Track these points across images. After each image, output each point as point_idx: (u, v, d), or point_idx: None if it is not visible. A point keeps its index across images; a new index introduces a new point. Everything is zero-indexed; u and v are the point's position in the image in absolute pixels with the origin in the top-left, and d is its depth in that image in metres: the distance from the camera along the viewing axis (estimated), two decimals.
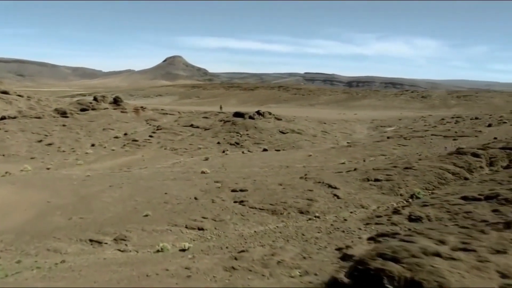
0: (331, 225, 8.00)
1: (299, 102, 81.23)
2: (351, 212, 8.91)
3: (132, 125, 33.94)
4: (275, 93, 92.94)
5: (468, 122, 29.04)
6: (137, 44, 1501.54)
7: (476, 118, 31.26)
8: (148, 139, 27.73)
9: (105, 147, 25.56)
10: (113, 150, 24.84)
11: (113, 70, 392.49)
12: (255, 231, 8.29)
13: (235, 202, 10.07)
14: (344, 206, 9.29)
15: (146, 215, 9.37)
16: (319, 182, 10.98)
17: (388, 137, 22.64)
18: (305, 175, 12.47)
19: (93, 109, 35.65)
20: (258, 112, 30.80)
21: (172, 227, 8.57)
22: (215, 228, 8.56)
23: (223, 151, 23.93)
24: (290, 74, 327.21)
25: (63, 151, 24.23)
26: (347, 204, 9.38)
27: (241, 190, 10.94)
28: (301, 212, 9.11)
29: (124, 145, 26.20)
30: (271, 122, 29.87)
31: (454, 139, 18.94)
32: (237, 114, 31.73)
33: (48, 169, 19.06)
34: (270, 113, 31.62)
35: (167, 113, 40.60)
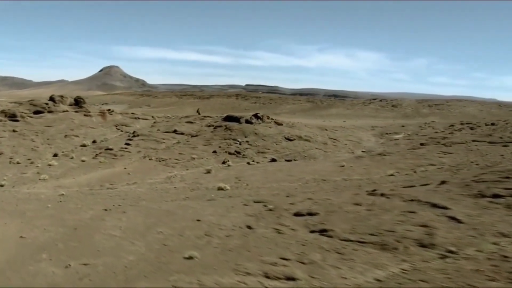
0: (492, 265, 5.71)
1: (262, 111, 79.90)
2: (494, 244, 6.70)
3: (100, 131, 30.32)
4: (233, 101, 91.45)
5: (487, 128, 28.49)
6: (70, 53, 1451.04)
7: (493, 124, 30.92)
8: (125, 148, 24.40)
9: (72, 158, 21.89)
10: (83, 161, 21.27)
11: (45, 80, 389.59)
12: (376, 279, 5.81)
13: (312, 232, 7.54)
14: (477, 234, 7.05)
15: (190, 257, 6.58)
16: (413, 200, 8.74)
17: (421, 144, 21.07)
18: (374, 190, 10.22)
19: (49, 112, 31.54)
20: (256, 116, 28.39)
21: (245, 278, 5.87)
22: (311, 277, 5.97)
23: (224, 162, 21.23)
24: (231, 86, 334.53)
25: (18, 163, 20.37)
26: (479, 231, 7.15)
27: (310, 214, 8.43)
28: (423, 246, 6.73)
29: (97, 155, 22.66)
30: (272, 127, 27.54)
31: (505, 146, 17.62)
32: (230, 118, 29.14)
33: (1, 186, 15.34)
34: (269, 117, 29.31)
35: (139, 118, 37.29)
